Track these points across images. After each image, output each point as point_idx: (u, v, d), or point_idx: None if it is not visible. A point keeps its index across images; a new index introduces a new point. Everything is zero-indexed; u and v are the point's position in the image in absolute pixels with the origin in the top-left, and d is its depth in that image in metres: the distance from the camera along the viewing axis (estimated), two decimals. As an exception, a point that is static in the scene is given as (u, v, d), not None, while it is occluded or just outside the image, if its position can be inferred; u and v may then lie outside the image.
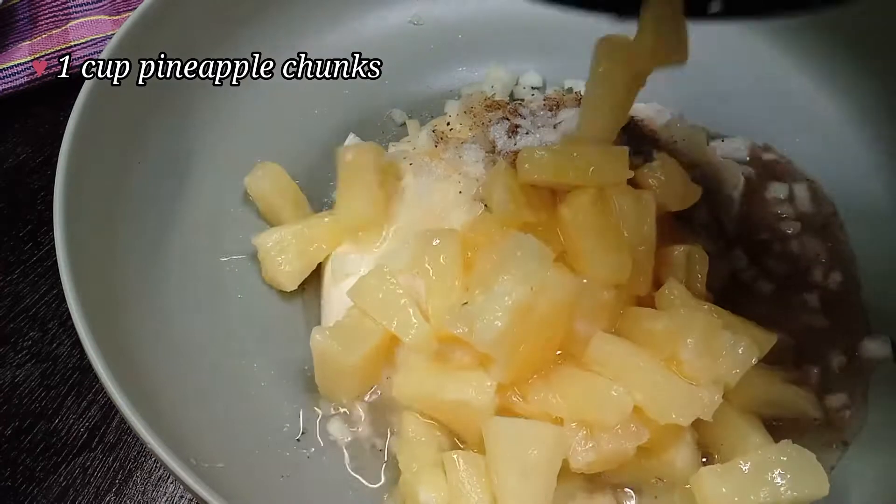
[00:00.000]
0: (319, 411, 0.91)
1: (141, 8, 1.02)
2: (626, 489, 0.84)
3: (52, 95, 1.30)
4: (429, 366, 0.87)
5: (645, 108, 1.12)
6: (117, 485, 0.93)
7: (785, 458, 0.76)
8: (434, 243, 0.89)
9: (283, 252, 0.99)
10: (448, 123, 1.13)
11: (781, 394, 0.88)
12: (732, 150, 1.15)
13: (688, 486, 0.80)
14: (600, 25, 1.26)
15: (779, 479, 0.75)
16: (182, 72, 1.08)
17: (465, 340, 0.82)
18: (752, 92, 1.21)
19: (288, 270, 0.98)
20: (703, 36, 1.24)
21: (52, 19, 1.36)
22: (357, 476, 0.87)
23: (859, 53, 1.14)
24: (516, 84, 1.24)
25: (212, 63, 1.12)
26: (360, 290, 0.89)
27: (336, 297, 0.98)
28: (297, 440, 0.88)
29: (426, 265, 0.89)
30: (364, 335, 0.87)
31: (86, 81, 0.93)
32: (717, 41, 1.23)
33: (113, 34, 1.04)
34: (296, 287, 1.00)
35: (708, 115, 1.18)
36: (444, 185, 1.03)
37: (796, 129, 1.17)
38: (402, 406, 0.89)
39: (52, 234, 0.82)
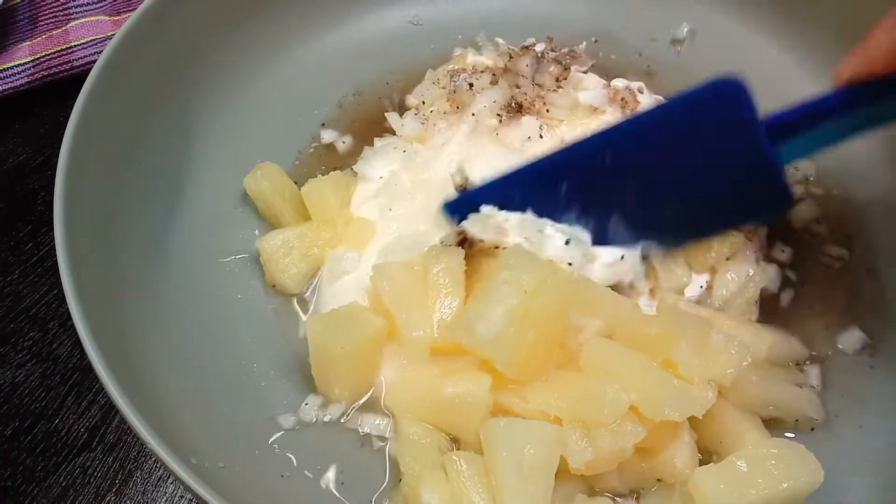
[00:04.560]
0: (319, 411, 0.91)
1: (141, 8, 1.02)
2: (626, 491, 0.84)
3: (52, 95, 1.30)
4: (423, 370, 0.88)
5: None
6: (117, 485, 0.93)
7: (777, 451, 0.77)
8: (437, 262, 0.91)
9: (288, 255, 0.99)
10: (423, 101, 1.13)
11: (781, 394, 0.88)
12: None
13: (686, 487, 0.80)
14: (599, 26, 1.28)
15: (774, 472, 0.76)
16: (182, 72, 1.08)
17: (462, 350, 0.84)
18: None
19: (293, 273, 0.98)
20: (714, 43, 1.26)
21: (53, 19, 1.36)
22: (358, 477, 0.87)
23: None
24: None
25: (212, 63, 1.12)
26: (384, 273, 0.90)
27: (331, 296, 0.98)
28: (297, 440, 0.88)
29: (429, 281, 0.90)
30: (360, 324, 0.88)
31: (86, 81, 0.93)
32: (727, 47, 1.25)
33: (113, 34, 1.05)
34: (301, 290, 1.00)
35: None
36: (437, 178, 1.04)
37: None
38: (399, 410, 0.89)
39: (52, 234, 0.82)
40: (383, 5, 1.28)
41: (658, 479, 0.83)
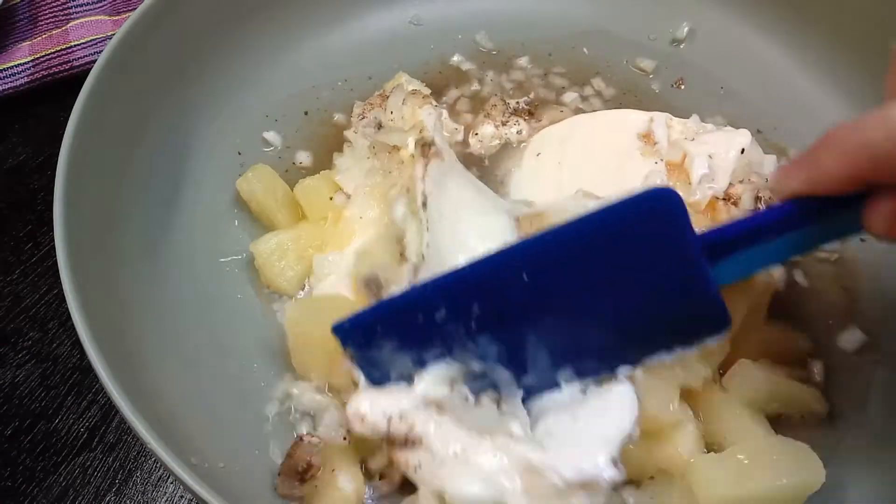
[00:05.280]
0: (319, 411, 0.90)
1: (141, 8, 1.02)
2: (626, 483, 0.84)
3: (52, 95, 1.30)
4: None
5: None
6: (117, 485, 0.93)
7: (780, 448, 0.78)
8: None
9: (283, 258, 0.99)
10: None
11: (786, 389, 0.88)
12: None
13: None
14: (598, 25, 1.28)
15: (774, 468, 0.76)
16: (182, 72, 1.08)
17: None
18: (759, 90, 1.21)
19: (290, 276, 0.98)
20: (714, 43, 1.26)
21: (53, 19, 1.36)
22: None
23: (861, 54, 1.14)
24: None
25: (212, 63, 1.12)
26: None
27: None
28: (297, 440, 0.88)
29: None
30: (337, 310, 0.84)
31: (86, 81, 0.93)
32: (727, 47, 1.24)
33: (113, 34, 1.04)
34: (296, 291, 1.00)
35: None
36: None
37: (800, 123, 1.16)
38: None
39: (52, 234, 0.82)
40: (383, 5, 1.28)
41: (659, 470, 0.83)
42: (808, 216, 0.70)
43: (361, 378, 0.80)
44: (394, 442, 0.76)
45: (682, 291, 0.75)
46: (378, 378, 0.79)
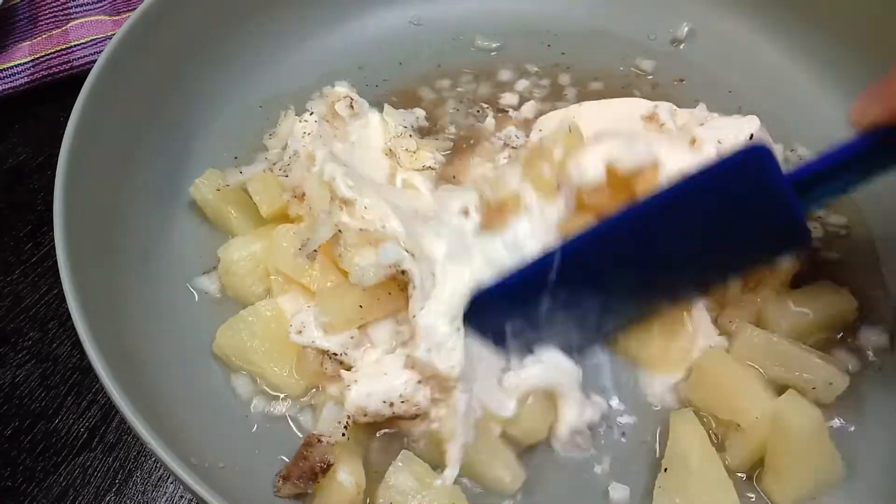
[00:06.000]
0: (319, 411, 0.90)
1: (141, 8, 1.02)
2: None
3: (52, 95, 1.30)
4: None
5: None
6: (117, 485, 0.93)
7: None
8: None
9: (253, 271, 0.94)
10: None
11: (786, 352, 0.89)
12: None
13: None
14: (598, 26, 1.28)
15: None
16: (182, 72, 1.08)
17: None
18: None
19: (256, 292, 0.95)
20: (714, 43, 1.25)
21: (53, 19, 1.37)
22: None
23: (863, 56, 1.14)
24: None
25: (212, 63, 1.12)
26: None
27: None
28: (298, 440, 0.88)
29: None
30: (265, 320, 0.90)
31: (86, 82, 0.93)
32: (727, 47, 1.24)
33: (113, 34, 1.05)
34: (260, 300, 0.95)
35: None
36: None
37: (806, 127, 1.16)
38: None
39: (52, 234, 0.82)
40: (383, 5, 1.28)
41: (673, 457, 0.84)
42: (886, 144, 0.74)
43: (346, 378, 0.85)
44: (402, 418, 0.83)
45: (776, 227, 0.82)
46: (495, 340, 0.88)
